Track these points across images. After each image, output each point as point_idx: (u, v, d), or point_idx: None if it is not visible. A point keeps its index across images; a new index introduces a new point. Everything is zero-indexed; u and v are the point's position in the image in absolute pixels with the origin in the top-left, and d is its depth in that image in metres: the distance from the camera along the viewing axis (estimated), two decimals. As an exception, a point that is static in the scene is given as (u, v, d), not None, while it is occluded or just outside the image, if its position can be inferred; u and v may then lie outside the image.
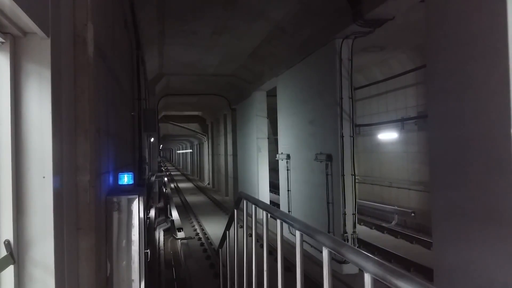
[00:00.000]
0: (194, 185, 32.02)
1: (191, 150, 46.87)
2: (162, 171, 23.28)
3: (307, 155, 9.90)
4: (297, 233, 1.83)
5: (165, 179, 19.03)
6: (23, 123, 1.91)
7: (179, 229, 12.44)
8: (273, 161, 15.10)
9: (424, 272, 7.70)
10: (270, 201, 15.84)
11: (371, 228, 12.49)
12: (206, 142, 30.98)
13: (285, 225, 2.11)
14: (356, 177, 8.52)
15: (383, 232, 11.92)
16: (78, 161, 2.35)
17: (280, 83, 12.32)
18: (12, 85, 1.87)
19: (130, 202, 3.09)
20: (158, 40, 11.01)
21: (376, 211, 13.46)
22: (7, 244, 1.82)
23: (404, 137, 12.34)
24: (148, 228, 5.11)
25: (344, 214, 8.15)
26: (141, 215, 3.13)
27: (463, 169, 4.29)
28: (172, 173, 49.87)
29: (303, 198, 10.48)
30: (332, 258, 1.57)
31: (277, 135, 13.64)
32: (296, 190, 10.95)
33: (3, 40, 1.82)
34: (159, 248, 10.70)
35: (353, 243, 8.02)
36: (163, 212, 13.74)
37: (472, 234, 4.16)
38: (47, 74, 1.93)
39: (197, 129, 31.46)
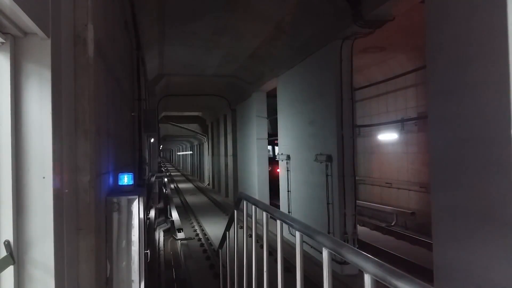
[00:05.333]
0: (194, 185, 32.01)
1: (191, 152, 46.85)
2: (162, 171, 23.27)
3: (307, 155, 9.90)
4: (297, 233, 1.83)
5: (165, 179, 19.01)
6: (23, 123, 1.91)
7: (179, 230, 12.43)
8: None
9: (423, 273, 7.69)
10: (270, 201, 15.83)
11: (371, 229, 12.50)
12: (206, 142, 30.97)
13: (285, 226, 2.11)
14: (356, 178, 8.53)
15: (383, 233, 11.93)
16: (78, 161, 2.35)
17: (280, 83, 12.33)
18: (12, 85, 1.87)
19: (130, 202, 3.09)
20: (158, 40, 11.01)
21: (376, 212, 13.47)
22: (7, 244, 1.82)
23: (404, 138, 12.36)
24: (148, 229, 5.11)
25: (344, 214, 8.14)
26: (141, 215, 3.13)
27: (463, 169, 4.29)
28: (172, 173, 49.84)
29: (303, 198, 10.48)
30: (332, 259, 1.57)
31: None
32: (296, 191, 10.95)
33: (3, 41, 1.82)
34: (159, 248, 10.69)
35: (353, 244, 8.01)
36: (163, 213, 13.74)
37: (472, 234, 4.16)
38: (47, 75, 1.93)
39: (197, 130, 31.47)
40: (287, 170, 11.44)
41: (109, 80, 3.51)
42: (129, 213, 3.08)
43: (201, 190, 27.60)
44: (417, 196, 11.86)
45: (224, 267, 4.66)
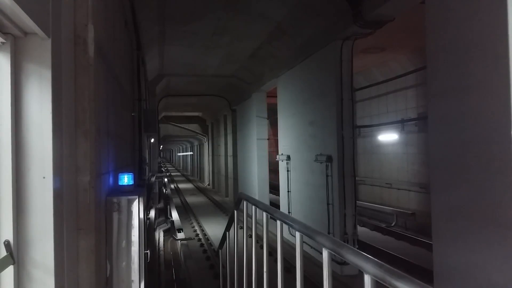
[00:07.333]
0: (194, 185, 32.00)
1: (191, 152, 46.85)
2: (162, 171, 23.27)
3: (307, 156, 9.90)
4: (297, 234, 1.83)
5: (165, 179, 19.01)
6: (23, 123, 1.91)
7: (179, 230, 12.42)
8: (273, 162, 15.10)
9: (423, 274, 7.69)
10: (270, 202, 15.83)
11: (371, 230, 12.50)
12: (206, 143, 30.98)
13: (285, 226, 2.11)
14: (356, 178, 8.53)
15: (383, 234, 11.93)
16: (78, 161, 2.35)
17: (280, 84, 12.33)
18: (12, 85, 1.87)
19: (130, 202, 3.09)
20: (158, 40, 11.01)
21: (376, 213, 13.47)
22: (7, 244, 1.82)
23: (404, 138, 12.36)
24: (148, 229, 5.11)
25: (344, 215, 8.14)
26: (141, 215, 3.13)
27: (463, 170, 4.29)
28: (172, 173, 49.84)
29: (303, 199, 10.48)
30: (332, 259, 1.57)
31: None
32: (296, 191, 10.95)
33: (4, 41, 1.82)
34: (159, 248, 10.69)
35: (353, 244, 8.01)
36: (163, 213, 13.73)
37: (472, 235, 4.16)
38: (47, 75, 1.93)
39: (197, 130, 31.47)
40: (287, 171, 11.44)
41: (109, 80, 3.51)
42: (129, 213, 3.08)
43: (201, 190, 27.60)
44: (417, 196, 11.85)
45: (224, 267, 4.66)
